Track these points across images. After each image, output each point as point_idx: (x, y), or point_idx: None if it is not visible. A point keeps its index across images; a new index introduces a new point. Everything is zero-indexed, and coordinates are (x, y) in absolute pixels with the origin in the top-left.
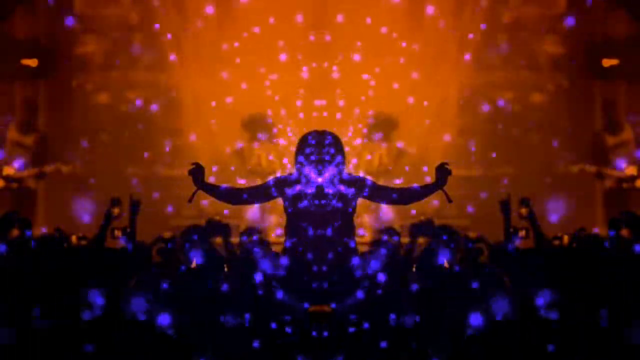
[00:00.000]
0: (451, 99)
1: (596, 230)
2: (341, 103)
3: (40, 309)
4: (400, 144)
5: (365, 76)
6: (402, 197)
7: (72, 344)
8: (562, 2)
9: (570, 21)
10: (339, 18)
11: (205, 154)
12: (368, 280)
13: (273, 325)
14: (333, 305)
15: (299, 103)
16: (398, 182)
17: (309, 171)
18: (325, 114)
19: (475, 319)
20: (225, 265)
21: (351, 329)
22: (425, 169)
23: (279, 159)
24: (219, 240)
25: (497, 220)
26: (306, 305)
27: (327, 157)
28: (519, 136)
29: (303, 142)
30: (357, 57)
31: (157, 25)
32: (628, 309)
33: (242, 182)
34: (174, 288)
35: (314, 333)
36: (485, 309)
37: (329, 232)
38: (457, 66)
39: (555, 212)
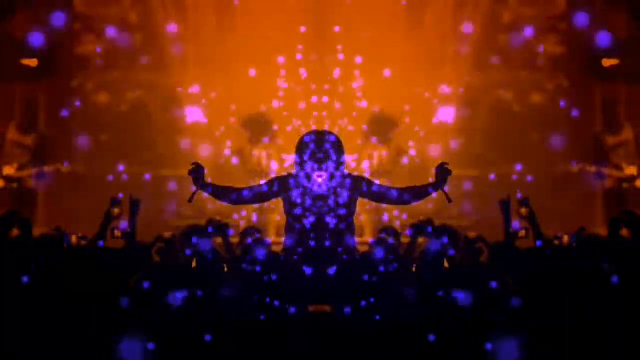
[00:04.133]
0: (451, 99)
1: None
2: (341, 103)
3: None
4: (400, 144)
5: (365, 76)
6: (402, 197)
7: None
8: (562, 2)
9: (569, 21)
10: (339, 18)
11: (205, 154)
12: (368, 280)
13: (272, 324)
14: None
15: (298, 103)
16: (398, 182)
17: (309, 171)
18: (325, 113)
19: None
20: (225, 265)
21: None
22: (425, 168)
23: (279, 159)
24: (219, 240)
25: (497, 220)
26: (306, 304)
27: (327, 157)
28: (519, 136)
29: (303, 142)
30: (357, 57)
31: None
32: (627, 308)
33: (242, 182)
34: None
35: (313, 332)
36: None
37: (329, 232)
38: (457, 66)
39: (555, 212)
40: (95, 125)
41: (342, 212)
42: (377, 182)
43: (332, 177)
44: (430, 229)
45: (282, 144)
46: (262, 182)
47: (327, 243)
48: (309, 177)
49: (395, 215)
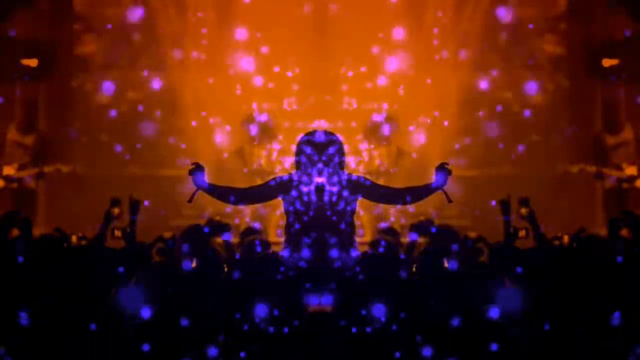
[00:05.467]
0: (451, 99)
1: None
2: (342, 103)
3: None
4: (400, 144)
5: (365, 76)
6: (402, 197)
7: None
8: (562, 2)
9: (569, 21)
10: (339, 18)
11: (205, 154)
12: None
13: (271, 325)
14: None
15: (298, 102)
16: (398, 182)
17: (309, 171)
18: (325, 114)
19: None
20: (225, 265)
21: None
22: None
23: (279, 159)
24: (219, 240)
25: (497, 220)
26: (305, 304)
27: (327, 158)
28: (519, 136)
29: (303, 142)
30: (357, 57)
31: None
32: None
33: (242, 182)
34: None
35: (314, 332)
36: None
37: (329, 232)
38: (457, 66)
39: (555, 212)
40: (95, 125)
41: (342, 212)
42: (376, 182)
43: (332, 177)
44: (434, 230)
45: (283, 144)
46: (263, 182)
47: (327, 243)
48: (309, 177)
49: (395, 215)
